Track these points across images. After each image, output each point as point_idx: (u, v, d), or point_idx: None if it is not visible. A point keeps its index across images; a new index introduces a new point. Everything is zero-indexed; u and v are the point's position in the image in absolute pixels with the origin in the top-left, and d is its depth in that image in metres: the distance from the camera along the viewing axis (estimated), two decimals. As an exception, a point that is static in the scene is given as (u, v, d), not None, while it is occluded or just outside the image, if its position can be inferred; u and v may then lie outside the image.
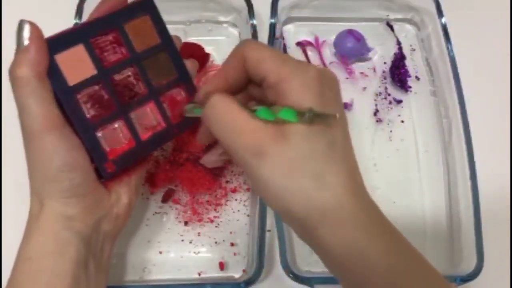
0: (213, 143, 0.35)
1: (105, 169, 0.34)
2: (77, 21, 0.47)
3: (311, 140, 0.28)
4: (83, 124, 0.33)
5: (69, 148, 0.32)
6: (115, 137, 0.35)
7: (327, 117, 0.28)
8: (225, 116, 0.30)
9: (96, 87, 0.34)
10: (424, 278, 0.30)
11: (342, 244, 0.28)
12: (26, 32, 0.31)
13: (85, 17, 0.45)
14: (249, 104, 0.33)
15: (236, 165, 0.45)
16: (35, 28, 0.31)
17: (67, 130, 0.32)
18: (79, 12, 0.47)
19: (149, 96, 0.36)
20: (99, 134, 0.34)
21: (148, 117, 0.36)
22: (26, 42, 0.30)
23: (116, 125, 0.35)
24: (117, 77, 0.35)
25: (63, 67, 0.32)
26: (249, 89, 0.34)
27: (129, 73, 0.36)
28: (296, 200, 0.28)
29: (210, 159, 0.35)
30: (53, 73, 0.32)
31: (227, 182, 0.46)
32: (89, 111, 0.34)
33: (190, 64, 0.39)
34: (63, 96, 0.32)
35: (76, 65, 0.33)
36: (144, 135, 0.36)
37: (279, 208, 0.29)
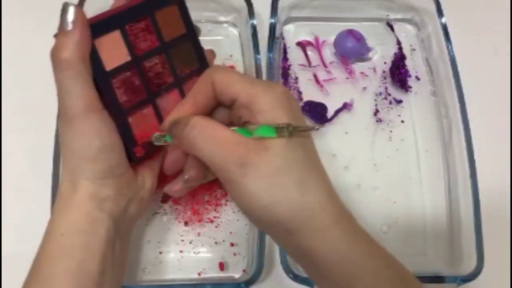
0: (179, 173, 0.36)
1: (134, 153, 0.35)
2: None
3: (291, 150, 0.30)
4: (117, 108, 0.34)
5: (109, 130, 0.33)
6: (143, 122, 0.36)
7: (306, 129, 0.30)
8: (207, 132, 0.31)
9: (129, 73, 0.35)
10: (401, 281, 0.31)
11: (328, 248, 0.30)
12: (71, 16, 0.31)
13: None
14: None
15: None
16: (79, 12, 0.31)
17: (106, 113, 0.33)
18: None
19: (174, 84, 0.37)
20: (130, 119, 0.35)
21: (172, 104, 0.37)
22: (70, 25, 0.31)
23: (145, 111, 0.36)
24: (147, 64, 0.36)
25: (101, 52, 0.33)
26: (216, 113, 0.35)
27: (157, 61, 0.36)
28: (282, 207, 0.29)
29: (174, 188, 0.36)
30: (92, 58, 0.32)
31: (227, 182, 0.46)
32: (121, 96, 0.35)
33: (209, 54, 0.40)
34: (101, 80, 0.33)
35: (112, 50, 0.34)
36: None
37: (264, 218, 0.30)
